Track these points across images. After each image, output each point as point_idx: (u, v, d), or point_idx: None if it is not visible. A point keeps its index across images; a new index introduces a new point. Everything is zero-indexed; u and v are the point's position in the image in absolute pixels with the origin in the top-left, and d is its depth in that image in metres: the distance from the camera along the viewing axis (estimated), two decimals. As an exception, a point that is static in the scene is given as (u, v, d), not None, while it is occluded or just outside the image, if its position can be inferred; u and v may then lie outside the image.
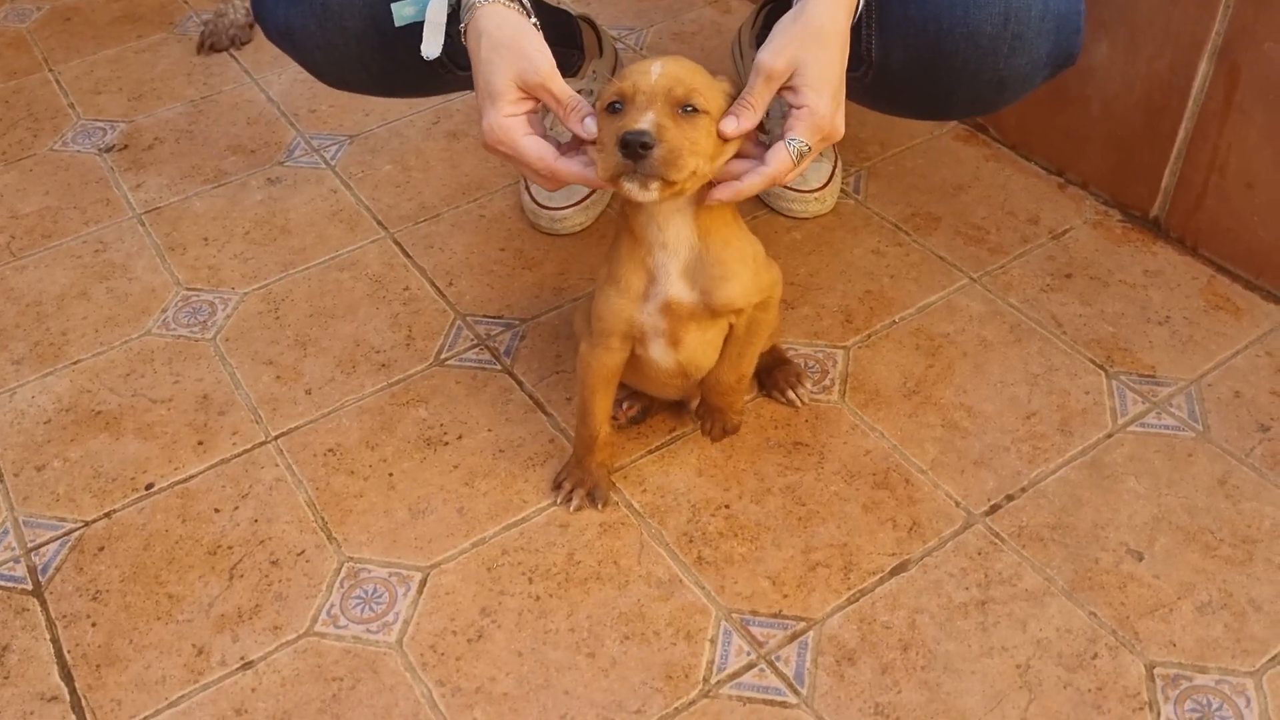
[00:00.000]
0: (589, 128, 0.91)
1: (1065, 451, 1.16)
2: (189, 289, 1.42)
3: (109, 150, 1.65)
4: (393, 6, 1.02)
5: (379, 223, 1.50)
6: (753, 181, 0.92)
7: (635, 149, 0.86)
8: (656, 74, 0.89)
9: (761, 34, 1.46)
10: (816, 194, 1.45)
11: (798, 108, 0.90)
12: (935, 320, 1.31)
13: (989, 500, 1.12)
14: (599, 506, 1.12)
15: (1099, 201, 1.46)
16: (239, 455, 1.21)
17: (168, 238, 1.49)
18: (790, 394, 1.22)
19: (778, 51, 0.89)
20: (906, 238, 1.43)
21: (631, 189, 0.88)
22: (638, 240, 1.00)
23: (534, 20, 0.95)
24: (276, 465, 1.20)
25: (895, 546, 1.08)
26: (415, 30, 1.09)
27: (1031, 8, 1.02)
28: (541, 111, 0.96)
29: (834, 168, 1.47)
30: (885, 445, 1.18)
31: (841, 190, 1.49)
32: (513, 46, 0.91)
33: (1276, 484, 1.12)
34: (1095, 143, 1.44)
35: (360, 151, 1.63)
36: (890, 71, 1.09)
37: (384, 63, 1.15)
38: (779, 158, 0.90)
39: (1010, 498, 1.12)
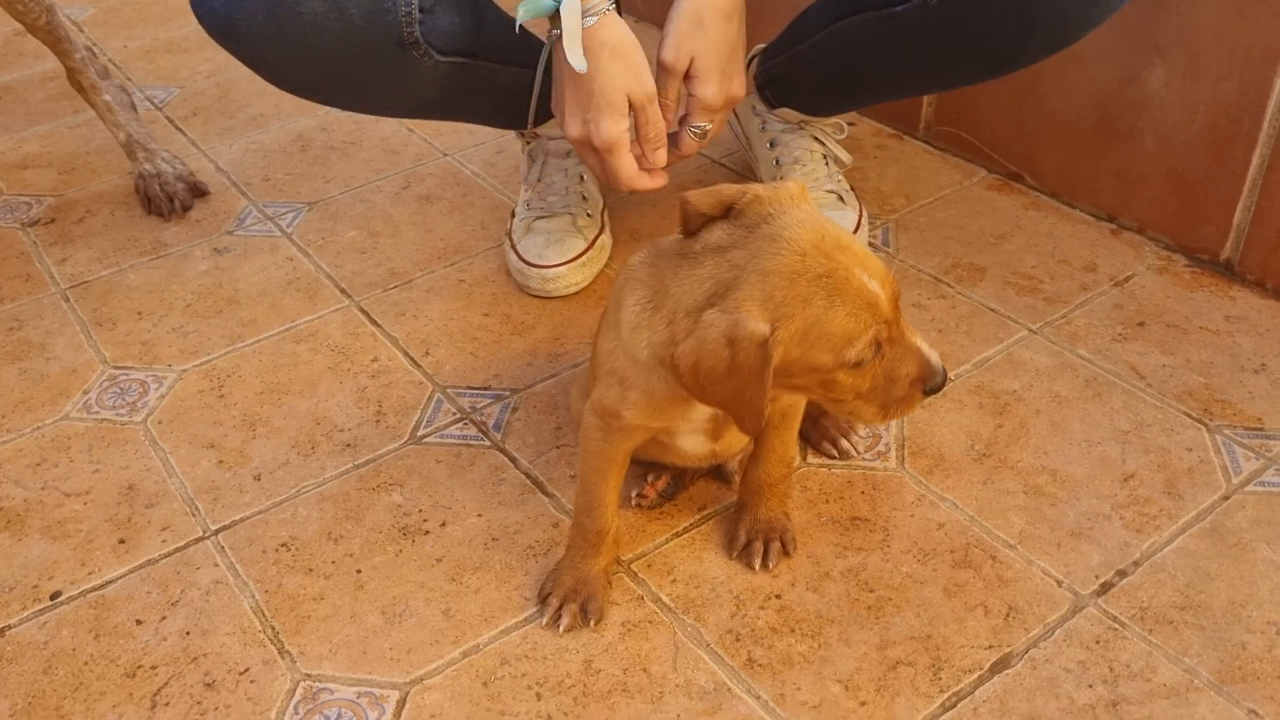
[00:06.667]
0: (659, 159, 1.04)
1: (1178, 517, 0.97)
2: (117, 368, 1.20)
3: (33, 224, 1.45)
4: (519, 7, 0.98)
5: (342, 291, 1.30)
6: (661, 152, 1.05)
7: (941, 385, 0.79)
8: (881, 290, 0.74)
9: (759, 78, 1.33)
10: (843, 245, 1.28)
11: (692, 94, 1.04)
12: (997, 376, 1.13)
13: (1097, 578, 0.92)
14: (593, 624, 0.90)
15: (1160, 246, 1.29)
16: (169, 555, 0.98)
17: (95, 313, 1.28)
18: (844, 443, 1.03)
19: (675, 49, 1.01)
20: (950, 290, 1.25)
21: None
22: None
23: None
24: (216, 565, 0.97)
25: (991, 637, 0.87)
26: (382, 15, 1.00)
27: None
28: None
29: (859, 216, 1.30)
30: (961, 517, 0.98)
31: (870, 242, 1.32)
32: (627, 60, 0.97)
33: None
34: (1151, 182, 1.28)
35: (320, 218, 1.44)
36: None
37: (349, 51, 1.01)
38: (685, 140, 1.08)
39: (1122, 574, 0.92)
